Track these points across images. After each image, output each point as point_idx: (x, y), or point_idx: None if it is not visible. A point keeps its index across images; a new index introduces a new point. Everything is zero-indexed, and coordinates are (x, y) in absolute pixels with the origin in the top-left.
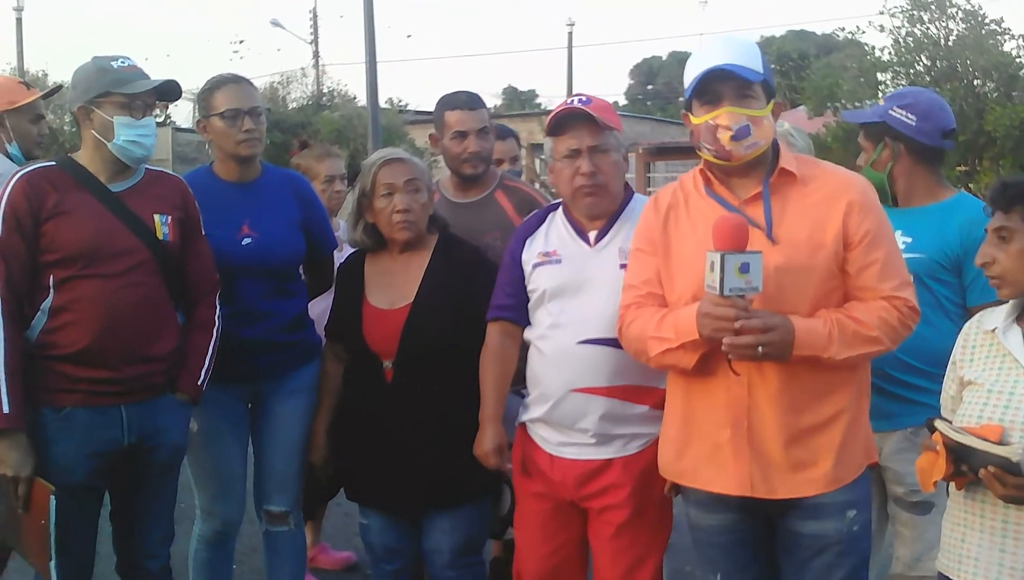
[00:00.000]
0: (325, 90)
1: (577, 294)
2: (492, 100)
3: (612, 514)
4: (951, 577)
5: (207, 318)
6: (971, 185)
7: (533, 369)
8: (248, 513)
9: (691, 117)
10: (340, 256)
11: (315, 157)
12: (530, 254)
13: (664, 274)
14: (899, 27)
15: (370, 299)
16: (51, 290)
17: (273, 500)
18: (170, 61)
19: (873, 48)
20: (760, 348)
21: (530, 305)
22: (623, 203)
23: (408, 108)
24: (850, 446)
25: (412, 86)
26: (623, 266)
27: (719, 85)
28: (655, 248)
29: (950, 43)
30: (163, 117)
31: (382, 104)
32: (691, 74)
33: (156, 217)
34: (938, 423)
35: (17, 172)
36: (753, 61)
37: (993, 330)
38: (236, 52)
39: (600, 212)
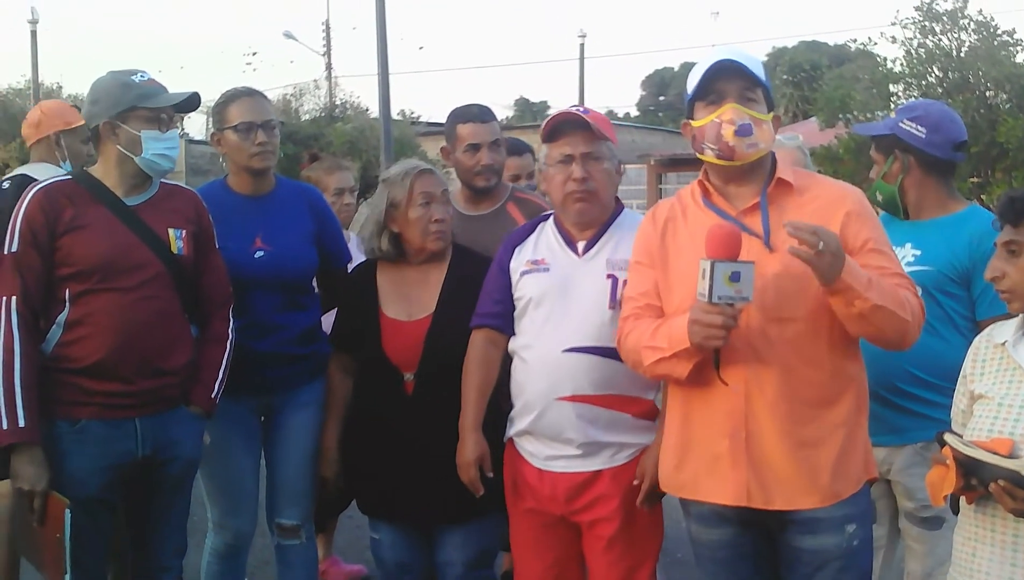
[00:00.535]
0: (338, 102)
1: (563, 303)
2: (504, 111)
3: (602, 527)
4: None
5: (221, 331)
6: (983, 197)
7: (517, 379)
8: (260, 526)
9: (692, 123)
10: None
11: (325, 170)
12: (518, 262)
13: (662, 286)
14: (911, 38)
15: (386, 310)
16: (67, 304)
17: (285, 513)
18: (184, 73)
19: (885, 59)
20: (821, 244)
21: (516, 313)
22: (613, 215)
23: (420, 120)
24: (848, 460)
25: (424, 98)
26: (610, 276)
27: (723, 84)
28: (653, 260)
29: (962, 54)
30: (178, 129)
31: (394, 116)
32: (694, 78)
33: (171, 231)
34: (948, 437)
35: (33, 186)
36: (756, 67)
37: (1003, 344)
38: (249, 64)
39: (589, 220)
